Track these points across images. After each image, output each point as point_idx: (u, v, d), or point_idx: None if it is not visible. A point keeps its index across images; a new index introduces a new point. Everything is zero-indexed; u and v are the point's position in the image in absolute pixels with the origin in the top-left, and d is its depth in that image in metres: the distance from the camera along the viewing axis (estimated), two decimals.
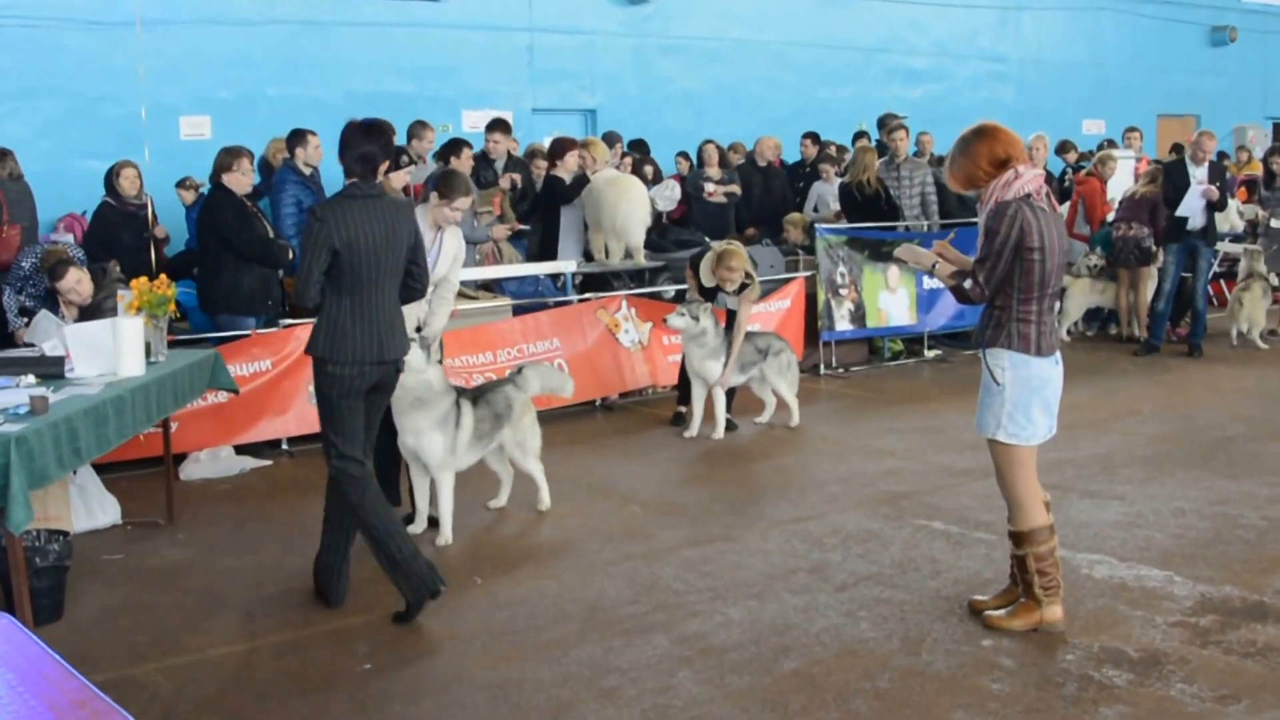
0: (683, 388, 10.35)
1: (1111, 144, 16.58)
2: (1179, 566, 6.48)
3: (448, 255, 7.36)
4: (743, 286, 9.84)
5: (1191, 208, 12.97)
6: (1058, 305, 5.55)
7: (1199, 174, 13.02)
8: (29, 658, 2.69)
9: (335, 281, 5.88)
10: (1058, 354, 5.58)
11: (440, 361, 7.13)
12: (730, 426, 10.08)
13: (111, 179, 10.78)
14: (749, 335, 10.00)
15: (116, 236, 10.57)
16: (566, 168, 11.25)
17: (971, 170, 5.48)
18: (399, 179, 9.69)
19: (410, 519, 7.46)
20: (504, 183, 11.80)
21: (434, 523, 7.40)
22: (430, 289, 6.92)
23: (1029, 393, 5.46)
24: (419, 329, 7.07)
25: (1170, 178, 13.24)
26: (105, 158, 11.40)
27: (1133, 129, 16.40)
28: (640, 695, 5.06)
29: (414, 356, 6.80)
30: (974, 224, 13.41)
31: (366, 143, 5.97)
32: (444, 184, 7.20)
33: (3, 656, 2.67)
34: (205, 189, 11.68)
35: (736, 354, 9.85)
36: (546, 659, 5.47)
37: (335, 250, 5.79)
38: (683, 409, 10.34)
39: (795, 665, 5.34)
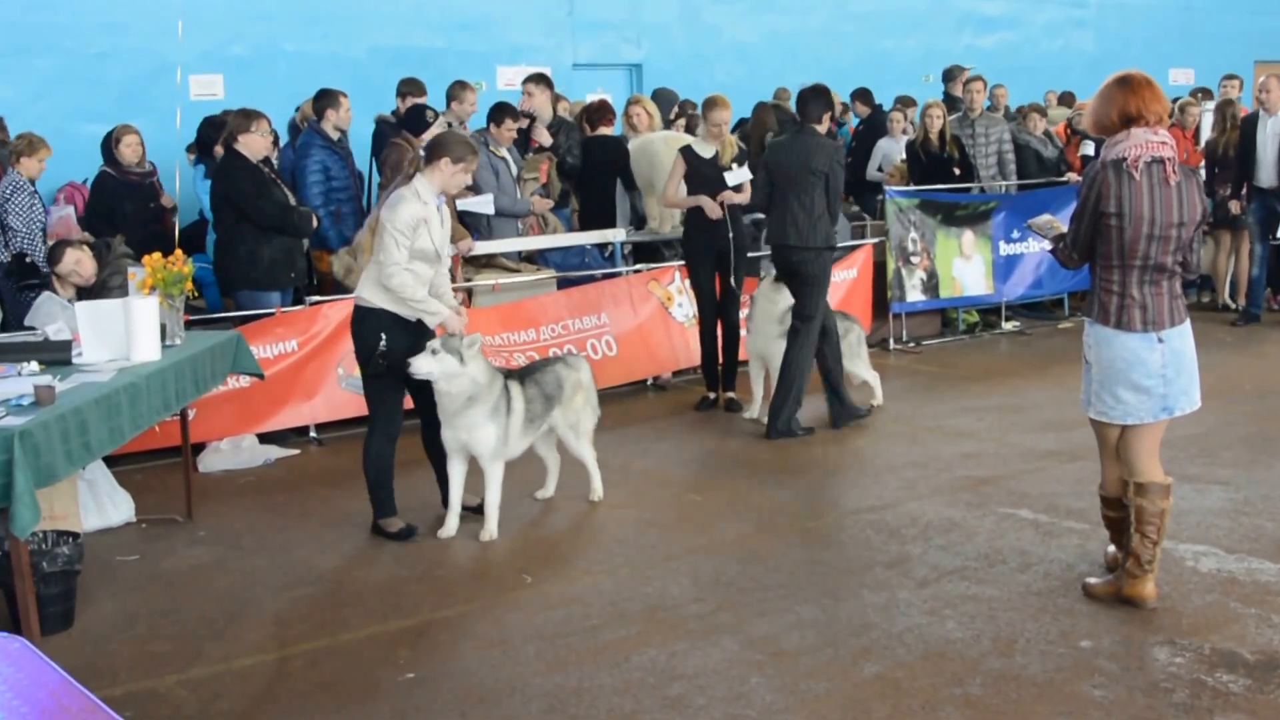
0: (708, 369, 10.19)
1: (1206, 94, 16.25)
2: None
3: (448, 226, 7.33)
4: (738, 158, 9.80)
5: (1261, 161, 12.69)
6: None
7: (1271, 125, 12.67)
8: (44, 685, 2.63)
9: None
10: (1163, 333, 5.56)
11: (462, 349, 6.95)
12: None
13: (111, 145, 10.71)
14: None
15: (118, 208, 10.51)
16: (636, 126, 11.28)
17: (1100, 115, 5.63)
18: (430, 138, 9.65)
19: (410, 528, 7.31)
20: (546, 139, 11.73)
21: (477, 510, 7.31)
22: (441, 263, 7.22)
23: (1114, 372, 5.60)
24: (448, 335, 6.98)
25: (1245, 130, 12.97)
26: (107, 120, 11.35)
27: (1231, 76, 16.02)
28: (710, 704, 5.01)
29: (445, 365, 6.82)
30: (1055, 185, 13.38)
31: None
32: (449, 147, 7.01)
33: (16, 684, 2.62)
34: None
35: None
36: (606, 664, 5.42)
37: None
38: (711, 395, 10.20)
39: (877, 669, 5.28)
